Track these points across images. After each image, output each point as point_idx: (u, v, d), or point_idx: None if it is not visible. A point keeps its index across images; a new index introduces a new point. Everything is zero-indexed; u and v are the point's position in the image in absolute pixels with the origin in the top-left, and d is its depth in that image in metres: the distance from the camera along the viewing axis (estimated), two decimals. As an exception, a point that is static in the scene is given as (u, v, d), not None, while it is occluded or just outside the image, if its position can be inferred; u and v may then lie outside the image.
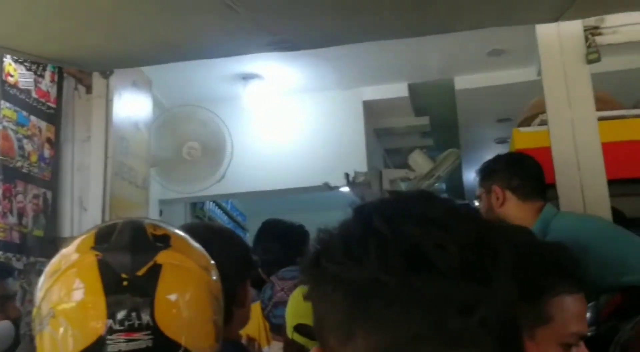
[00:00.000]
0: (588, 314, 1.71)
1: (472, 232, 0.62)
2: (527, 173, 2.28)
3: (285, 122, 4.63)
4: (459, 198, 8.03)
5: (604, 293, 1.75)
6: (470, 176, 7.28)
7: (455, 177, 7.09)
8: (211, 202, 5.90)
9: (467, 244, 0.60)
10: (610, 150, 2.57)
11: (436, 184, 5.59)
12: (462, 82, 4.50)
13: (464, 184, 7.58)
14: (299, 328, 1.58)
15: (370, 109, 4.75)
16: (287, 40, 2.30)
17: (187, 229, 1.40)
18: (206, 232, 1.39)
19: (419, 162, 5.07)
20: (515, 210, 2.25)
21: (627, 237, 1.97)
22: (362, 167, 4.55)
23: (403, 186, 5.79)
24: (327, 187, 4.46)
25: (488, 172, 2.33)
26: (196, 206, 5.58)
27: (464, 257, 0.59)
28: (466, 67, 4.35)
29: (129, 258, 0.92)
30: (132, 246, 0.94)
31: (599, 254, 1.85)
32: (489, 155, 6.51)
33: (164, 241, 0.98)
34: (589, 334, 1.67)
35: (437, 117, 5.24)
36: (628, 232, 2.04)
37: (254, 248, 2.56)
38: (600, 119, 2.60)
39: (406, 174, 5.32)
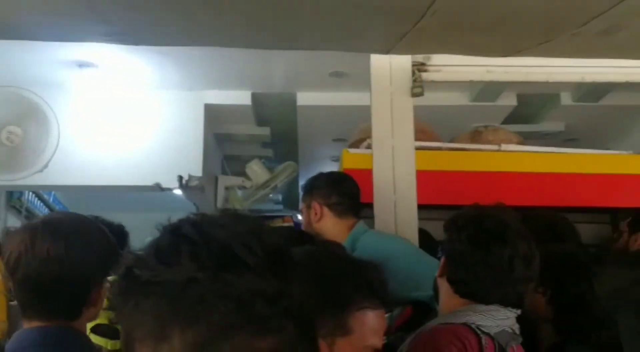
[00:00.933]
0: (384, 325, 1.85)
1: (274, 240, 0.68)
2: (344, 192, 2.41)
3: (120, 117, 4.44)
4: (293, 210, 8.23)
5: (397, 306, 1.90)
6: (306, 190, 7.48)
7: (291, 189, 7.26)
8: (31, 193, 5.50)
9: (271, 248, 0.67)
10: (424, 177, 2.78)
11: (271, 195, 5.69)
12: (304, 98, 4.62)
13: (299, 197, 7.77)
14: (95, 329, 1.53)
15: (212, 113, 4.71)
16: (125, 33, 2.22)
17: (52, 221, 1.34)
18: (70, 228, 1.39)
19: (257, 171, 5.13)
20: (331, 225, 2.37)
21: (421, 257, 2.16)
22: (198, 171, 4.50)
23: (239, 194, 5.82)
24: (158, 188, 4.34)
25: (310, 188, 2.44)
26: (12, 195, 5.16)
27: (268, 256, 0.65)
28: (309, 84, 4.48)
29: None
30: None
31: (396, 270, 2.01)
32: (325, 171, 6.74)
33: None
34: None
35: (278, 129, 5.33)
36: (422, 252, 2.24)
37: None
38: (418, 148, 2.81)
39: (243, 182, 5.35)
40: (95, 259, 1.37)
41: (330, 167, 6.35)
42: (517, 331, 1.49)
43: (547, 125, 5.12)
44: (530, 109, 4.87)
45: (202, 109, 4.58)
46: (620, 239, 2.72)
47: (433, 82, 2.76)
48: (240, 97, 4.61)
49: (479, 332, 1.39)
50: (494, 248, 1.47)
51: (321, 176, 2.56)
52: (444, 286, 1.55)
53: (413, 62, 2.73)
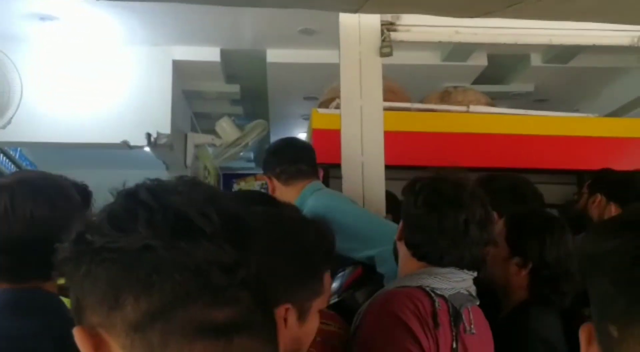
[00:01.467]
0: (335, 284, 1.88)
1: (231, 208, 0.67)
2: (285, 160, 2.39)
3: (86, 73, 4.33)
4: (266, 167, 8.21)
5: (349, 265, 1.93)
6: (278, 148, 7.46)
7: (263, 147, 7.23)
8: (-5, 149, 5.38)
9: (228, 216, 0.65)
10: (393, 138, 2.78)
11: (242, 153, 5.66)
12: (274, 55, 4.56)
13: (271, 155, 7.74)
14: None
15: (180, 70, 4.62)
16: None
17: (27, 181, 1.29)
18: (50, 188, 1.36)
19: (226, 129, 5.08)
20: (282, 194, 2.36)
21: (370, 217, 2.17)
22: (166, 128, 4.44)
23: (210, 151, 5.78)
24: (126, 145, 4.28)
25: (262, 163, 2.43)
26: (-25, 151, 5.05)
27: (225, 225, 0.64)
28: (278, 41, 4.41)
29: None
30: None
31: (347, 230, 2.03)
32: (296, 129, 6.76)
33: None
34: (332, 301, 1.83)
35: (248, 86, 5.26)
36: (371, 213, 2.25)
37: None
38: (387, 109, 2.80)
39: (212, 140, 5.31)
40: (75, 218, 1.34)
41: (302, 125, 6.33)
42: (474, 293, 1.52)
43: (517, 86, 5.14)
44: (500, 69, 4.88)
45: (170, 66, 4.49)
46: (580, 200, 2.77)
47: (402, 42, 2.74)
48: (209, 53, 4.53)
49: (432, 295, 1.42)
50: (450, 212, 1.48)
51: (268, 148, 2.56)
52: (402, 249, 1.57)
53: (382, 21, 2.69)
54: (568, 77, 4.92)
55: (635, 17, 2.57)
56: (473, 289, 1.53)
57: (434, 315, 1.38)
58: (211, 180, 6.90)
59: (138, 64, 4.43)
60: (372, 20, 2.68)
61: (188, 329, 0.61)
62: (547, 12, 2.42)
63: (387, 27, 2.68)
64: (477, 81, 5.02)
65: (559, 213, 3.03)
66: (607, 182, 2.55)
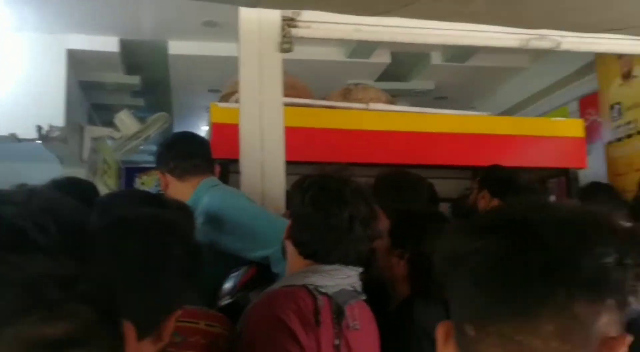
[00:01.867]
0: (229, 284, 1.85)
1: (74, 218, 0.64)
2: (179, 154, 2.31)
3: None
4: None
5: (244, 265, 1.89)
6: (182, 141, 7.31)
7: (166, 140, 7.05)
8: None
9: (69, 227, 0.64)
10: (294, 134, 2.77)
11: (142, 146, 5.48)
12: (176, 47, 4.44)
13: (175, 148, 7.57)
14: None
15: (76, 60, 4.41)
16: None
17: None
18: None
19: (126, 122, 4.90)
20: (176, 190, 2.28)
21: (267, 215, 2.15)
22: (60, 121, 4.23)
23: (110, 144, 5.56)
24: (14, 138, 4.03)
25: (156, 157, 2.34)
26: None
27: (64, 236, 0.62)
28: (181, 33, 4.30)
29: None
30: None
31: (241, 229, 2.00)
32: (201, 122, 6.63)
33: None
34: (226, 302, 1.80)
35: (149, 78, 5.11)
36: (267, 212, 2.24)
37: None
38: (287, 105, 2.78)
39: (111, 133, 5.11)
40: None
41: (207, 118, 6.22)
42: (359, 288, 1.53)
43: (418, 84, 5.29)
44: (402, 67, 5.00)
45: (64, 55, 4.27)
46: (470, 195, 2.87)
47: (302, 38, 2.72)
48: (107, 43, 4.35)
49: (315, 293, 1.42)
50: (334, 209, 1.48)
51: (161, 142, 2.47)
52: (290, 248, 1.55)
53: (283, 17, 2.66)
54: (466, 76, 5.11)
55: (525, 20, 2.70)
56: (358, 285, 1.54)
57: (316, 313, 1.38)
58: (111, 174, 6.66)
59: (29, 52, 4.19)
60: (272, 16, 2.65)
61: (19, 346, 0.57)
62: (443, 13, 2.48)
63: (288, 22, 2.66)
64: (381, 78, 5.12)
65: (451, 207, 3.15)
66: (492, 178, 2.66)
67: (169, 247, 1.10)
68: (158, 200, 1.68)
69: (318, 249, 1.49)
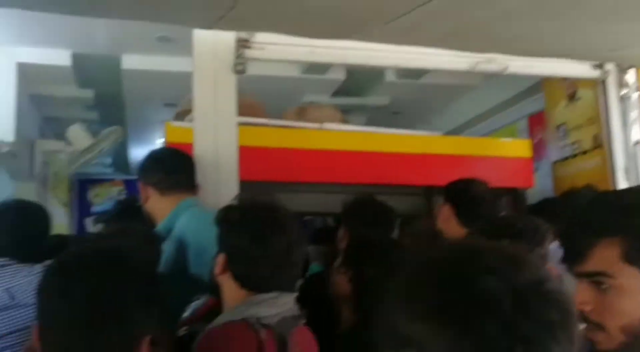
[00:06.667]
0: (187, 313, 1.84)
1: None
2: (165, 169, 2.33)
3: None
4: (124, 173, 7.91)
5: (206, 293, 1.89)
6: (137, 153, 7.23)
7: (121, 153, 6.96)
8: None
9: None
10: (249, 153, 2.78)
11: (95, 160, 5.40)
12: (130, 61, 4.40)
13: (129, 161, 7.49)
14: None
15: (27, 73, 4.33)
16: None
17: None
18: None
19: (78, 136, 4.84)
20: (156, 205, 2.29)
21: None
22: (9, 135, 4.13)
23: (63, 158, 5.46)
24: (-41, 154, 3.94)
25: (138, 169, 2.34)
26: None
27: None
28: (134, 48, 4.26)
29: None
30: None
31: (208, 256, 2.00)
32: (156, 135, 6.56)
33: None
34: (183, 332, 1.79)
35: (103, 91, 5.04)
36: None
37: None
38: (243, 124, 2.80)
39: (64, 147, 5.02)
40: None
41: (162, 131, 6.17)
42: (297, 312, 1.55)
43: (373, 99, 5.36)
44: (358, 83, 5.06)
45: (14, 68, 4.18)
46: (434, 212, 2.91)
47: (257, 59, 2.75)
48: (59, 56, 4.28)
49: (258, 326, 1.40)
50: (274, 238, 1.50)
51: (147, 155, 2.46)
52: (227, 283, 1.54)
53: (237, 38, 2.68)
54: (419, 93, 5.21)
55: (475, 45, 2.78)
56: (296, 309, 1.55)
57: (259, 349, 1.39)
58: (62, 187, 6.52)
59: (-23, 65, 4.09)
60: (226, 37, 2.66)
61: None
62: (394, 37, 2.55)
63: (242, 44, 2.68)
64: (336, 93, 5.17)
65: (401, 225, 3.16)
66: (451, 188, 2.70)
67: (119, 281, 1.10)
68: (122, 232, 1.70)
69: (260, 279, 1.50)
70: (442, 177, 3.27)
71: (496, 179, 3.36)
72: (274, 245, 1.49)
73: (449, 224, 2.47)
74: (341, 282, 1.95)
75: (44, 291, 1.09)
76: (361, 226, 2.46)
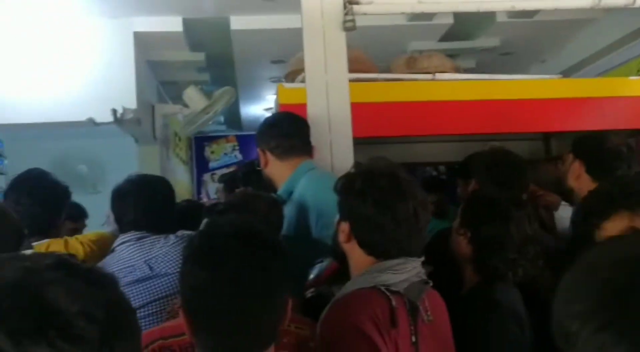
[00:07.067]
0: (312, 275, 1.89)
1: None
2: (280, 133, 2.37)
3: (46, 52, 4.21)
4: (237, 129, 8.17)
5: (329, 256, 1.92)
6: (248, 110, 7.42)
7: (233, 111, 7.17)
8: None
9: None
10: (360, 110, 2.77)
11: (211, 121, 5.60)
12: (238, 22, 4.48)
13: (241, 118, 7.71)
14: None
15: (142, 41, 4.52)
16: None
17: None
18: None
19: (194, 99, 5.01)
20: (275, 169, 2.35)
21: None
22: (132, 101, 4.36)
23: (180, 118, 5.71)
24: (92, 123, 4.21)
25: (256, 135, 2.40)
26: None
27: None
28: (241, 8, 4.32)
29: None
30: None
31: (329, 217, 2.03)
32: (265, 92, 6.70)
33: None
34: (310, 294, 1.85)
35: (213, 53, 5.18)
36: None
37: (6, 195, 2.33)
38: (353, 80, 2.78)
39: (180, 110, 5.24)
40: (10, 235, 1.34)
41: (270, 87, 6.28)
42: (424, 276, 1.54)
43: (482, 41, 5.14)
44: (466, 26, 4.86)
45: (131, 38, 4.38)
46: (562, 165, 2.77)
47: (365, 14, 2.70)
48: (171, 23, 4.43)
49: (388, 293, 1.42)
50: (399, 204, 1.49)
51: (264, 121, 2.52)
52: (354, 250, 1.54)
53: (345, -6, 2.65)
54: (534, 31, 4.92)
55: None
56: (423, 273, 1.55)
57: (392, 315, 1.40)
58: (182, 146, 6.86)
59: (99, 38, 4.32)
60: (334, -6, 2.63)
61: None
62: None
63: (350, 0, 2.64)
64: (444, 38, 5.00)
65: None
66: (585, 147, 2.53)
67: (262, 259, 1.17)
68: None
69: (387, 246, 1.50)
70: (565, 122, 3.13)
71: (625, 121, 3.16)
72: (399, 211, 1.48)
73: (581, 182, 2.35)
74: (461, 243, 1.92)
75: (190, 264, 1.16)
76: (491, 184, 2.37)
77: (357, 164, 1.68)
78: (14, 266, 0.66)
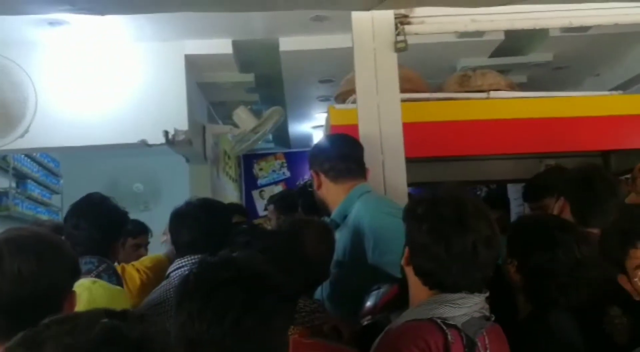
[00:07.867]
0: (370, 302, 1.85)
1: None
2: (335, 155, 2.34)
3: (99, 74, 4.31)
4: (285, 147, 8.21)
5: (386, 282, 1.88)
6: (296, 128, 7.45)
7: (281, 129, 7.21)
8: (16, 153, 5.43)
9: None
10: (412, 130, 2.73)
11: (260, 141, 5.64)
12: (287, 43, 4.50)
13: (289, 136, 7.74)
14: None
15: (193, 63, 4.59)
16: (85, 8, 2.12)
17: (14, 239, 1.31)
18: (37, 244, 1.36)
19: (244, 118, 5.05)
20: (328, 192, 2.33)
21: None
22: (183, 122, 4.42)
23: (230, 138, 5.77)
24: (144, 144, 4.28)
25: (310, 157, 2.39)
26: (-4, 156, 5.10)
27: None
28: (290, 29, 4.34)
29: None
30: None
31: (386, 243, 1.99)
32: (312, 111, 6.72)
33: None
34: (366, 322, 1.81)
35: (262, 74, 5.22)
36: None
37: (66, 219, 2.37)
38: (404, 100, 2.75)
39: (230, 130, 5.30)
40: (62, 269, 1.35)
41: (318, 107, 6.29)
42: (487, 312, 1.49)
43: (535, 56, 5.02)
44: (518, 41, 4.76)
45: (182, 60, 4.45)
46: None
47: (417, 34, 2.67)
48: (221, 45, 4.49)
49: (444, 327, 1.37)
50: (456, 236, 1.43)
51: (317, 142, 2.51)
52: (411, 276, 1.51)
53: (395, 14, 2.62)
54: (588, 45, 4.79)
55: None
56: (486, 309, 1.49)
57: (446, 350, 1.35)
58: (231, 164, 6.93)
59: (150, 61, 4.41)
60: (385, 15, 2.61)
61: None
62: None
63: (401, 20, 2.62)
64: (495, 54, 4.91)
65: None
66: None
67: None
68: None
69: (443, 278, 1.45)
70: (625, 140, 3.02)
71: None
72: (454, 244, 1.43)
73: None
74: (511, 272, 1.86)
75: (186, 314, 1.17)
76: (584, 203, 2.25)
77: (428, 192, 1.64)
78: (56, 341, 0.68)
